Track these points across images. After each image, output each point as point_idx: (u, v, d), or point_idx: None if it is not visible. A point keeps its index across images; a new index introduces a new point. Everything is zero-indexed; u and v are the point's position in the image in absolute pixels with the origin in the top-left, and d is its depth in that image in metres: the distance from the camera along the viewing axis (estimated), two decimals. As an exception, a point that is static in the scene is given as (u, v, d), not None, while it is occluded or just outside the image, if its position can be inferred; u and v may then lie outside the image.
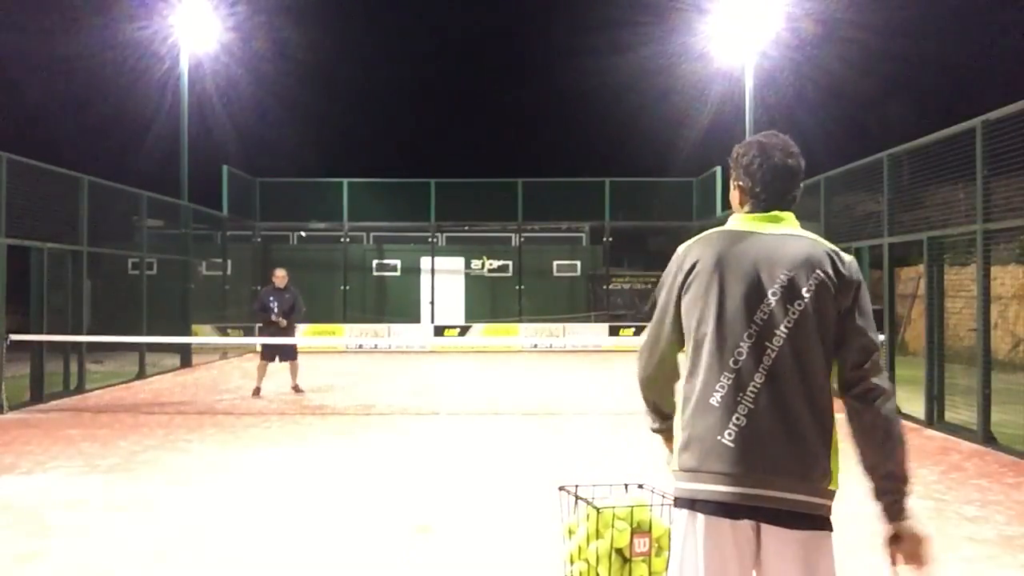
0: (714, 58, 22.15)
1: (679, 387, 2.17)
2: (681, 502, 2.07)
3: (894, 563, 2.00)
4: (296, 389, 11.76)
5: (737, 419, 2.00)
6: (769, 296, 2.05)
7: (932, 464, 7.13)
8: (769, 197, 2.22)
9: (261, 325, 11.93)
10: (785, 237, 2.15)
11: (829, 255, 2.11)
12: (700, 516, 2.00)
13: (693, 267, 2.14)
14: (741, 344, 2.03)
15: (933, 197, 9.47)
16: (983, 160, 7.89)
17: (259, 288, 20.42)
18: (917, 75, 29.90)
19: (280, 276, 11.52)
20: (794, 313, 2.04)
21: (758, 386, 2.01)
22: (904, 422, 9.33)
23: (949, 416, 8.68)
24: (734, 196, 2.33)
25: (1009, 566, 4.48)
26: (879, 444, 2.02)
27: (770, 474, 1.97)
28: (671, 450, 2.25)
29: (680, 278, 2.17)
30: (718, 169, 19.54)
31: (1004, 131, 7.70)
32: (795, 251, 2.11)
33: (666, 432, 2.32)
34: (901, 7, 27.36)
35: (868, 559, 4.47)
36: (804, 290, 2.06)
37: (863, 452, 2.04)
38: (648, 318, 2.27)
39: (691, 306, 2.13)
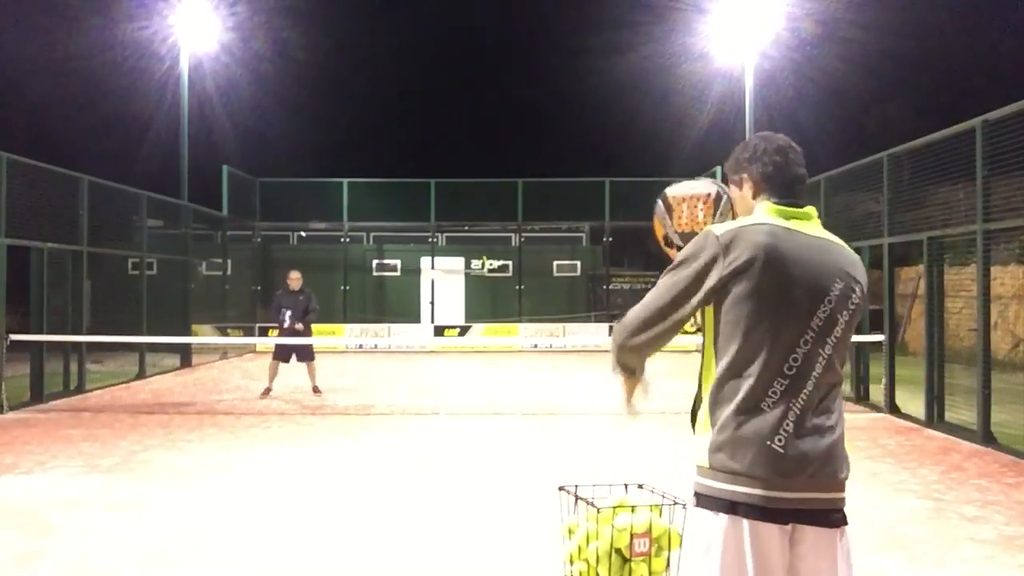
0: (714, 58, 22.18)
1: (714, 381, 2.07)
2: (716, 503, 2.01)
3: None
4: (316, 391, 11.66)
5: (787, 425, 2.00)
6: (826, 304, 2.07)
7: (932, 464, 7.13)
8: (786, 180, 2.19)
9: (276, 327, 11.82)
10: (828, 243, 2.15)
11: (862, 267, 2.19)
12: (745, 521, 1.98)
13: (749, 259, 2.03)
14: (797, 350, 2.03)
15: (933, 197, 9.47)
16: (983, 160, 7.89)
17: (259, 288, 20.53)
18: (917, 75, 29.94)
19: (294, 278, 11.47)
20: (842, 324, 2.09)
21: (807, 392, 2.02)
22: (902, 421, 9.35)
23: (949, 416, 8.68)
24: (746, 193, 2.25)
25: (1009, 566, 4.48)
26: None
27: (817, 478, 2.01)
28: (631, 396, 2.25)
29: (729, 265, 2.03)
30: (718, 169, 19.50)
31: (1004, 131, 7.70)
32: (842, 260, 2.13)
33: (633, 379, 2.24)
34: (901, 7, 27.42)
35: (868, 559, 4.47)
36: (850, 301, 2.11)
37: None
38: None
39: (743, 299, 2.03)
